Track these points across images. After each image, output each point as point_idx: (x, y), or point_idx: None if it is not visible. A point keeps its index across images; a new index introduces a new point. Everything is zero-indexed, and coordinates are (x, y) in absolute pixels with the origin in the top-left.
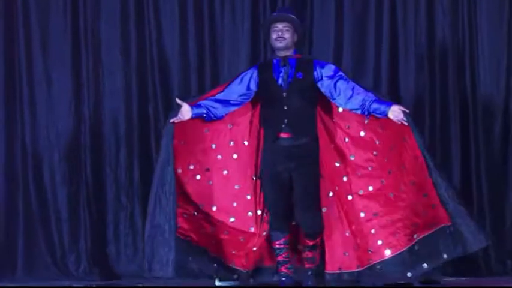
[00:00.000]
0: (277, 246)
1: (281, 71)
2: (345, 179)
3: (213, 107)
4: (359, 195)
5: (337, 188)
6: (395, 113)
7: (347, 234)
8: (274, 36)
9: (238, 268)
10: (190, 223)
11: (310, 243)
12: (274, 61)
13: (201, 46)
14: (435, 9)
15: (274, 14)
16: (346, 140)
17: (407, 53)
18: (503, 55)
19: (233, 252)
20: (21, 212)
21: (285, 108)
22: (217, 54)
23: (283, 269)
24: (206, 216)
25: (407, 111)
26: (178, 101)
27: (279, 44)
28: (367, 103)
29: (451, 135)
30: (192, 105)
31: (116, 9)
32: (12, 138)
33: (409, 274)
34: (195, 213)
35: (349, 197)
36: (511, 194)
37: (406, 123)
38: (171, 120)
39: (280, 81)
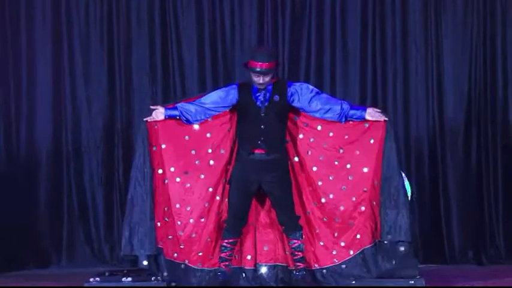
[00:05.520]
0: (225, 243)
1: (260, 94)
2: (309, 189)
3: (186, 110)
4: (321, 203)
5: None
6: (372, 113)
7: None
8: (255, 79)
9: (204, 268)
10: (161, 230)
11: (297, 243)
12: (253, 84)
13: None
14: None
15: (255, 60)
16: (309, 152)
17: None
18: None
19: (199, 254)
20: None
21: (262, 127)
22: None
23: (222, 265)
24: (177, 218)
25: (381, 111)
26: (152, 107)
27: (260, 87)
28: (345, 111)
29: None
30: (167, 108)
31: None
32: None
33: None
34: (166, 218)
35: (313, 205)
36: None
37: (383, 118)
38: (145, 119)
39: (259, 103)
